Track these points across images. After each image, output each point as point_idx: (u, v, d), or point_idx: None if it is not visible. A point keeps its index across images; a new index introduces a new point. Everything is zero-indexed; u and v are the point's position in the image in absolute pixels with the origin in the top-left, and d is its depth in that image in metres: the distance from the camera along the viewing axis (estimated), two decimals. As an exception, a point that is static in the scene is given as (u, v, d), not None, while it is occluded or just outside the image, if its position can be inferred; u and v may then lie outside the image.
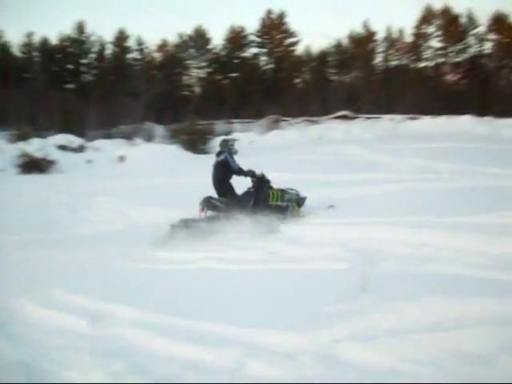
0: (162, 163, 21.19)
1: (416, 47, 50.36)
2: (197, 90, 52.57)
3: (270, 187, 9.05)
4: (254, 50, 51.96)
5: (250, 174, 8.99)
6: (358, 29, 50.79)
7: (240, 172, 8.92)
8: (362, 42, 49.61)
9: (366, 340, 3.76)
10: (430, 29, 50.48)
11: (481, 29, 50.39)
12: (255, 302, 4.73)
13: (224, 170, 8.86)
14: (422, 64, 51.63)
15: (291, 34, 50.91)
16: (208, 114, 38.38)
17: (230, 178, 8.96)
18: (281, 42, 50.88)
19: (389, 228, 7.23)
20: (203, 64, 51.44)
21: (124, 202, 11.79)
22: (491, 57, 48.55)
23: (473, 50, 50.34)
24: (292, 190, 9.27)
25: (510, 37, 47.84)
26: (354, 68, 49.90)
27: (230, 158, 8.89)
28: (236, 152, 9.11)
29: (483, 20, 50.32)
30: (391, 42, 50.79)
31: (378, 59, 51.65)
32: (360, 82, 49.31)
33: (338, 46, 50.43)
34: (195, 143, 26.45)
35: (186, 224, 8.35)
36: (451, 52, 50.52)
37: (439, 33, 50.35)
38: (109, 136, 30.34)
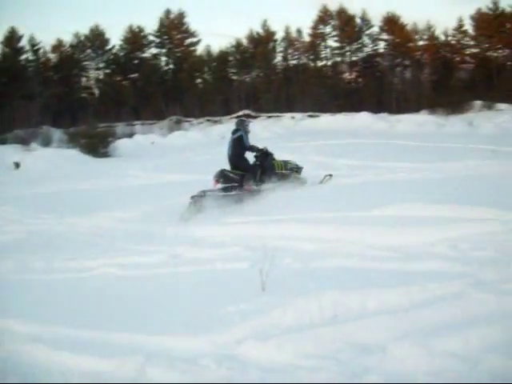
0: (60, 168, 20.44)
1: (314, 47, 51.69)
2: (96, 91, 51.16)
3: (274, 159, 10.43)
4: (154, 51, 51.27)
5: (255, 149, 10.39)
6: (257, 29, 51.47)
7: (251, 148, 10.36)
8: (262, 42, 50.22)
9: (267, 338, 3.76)
10: (327, 29, 52.07)
11: (375, 29, 52.58)
12: (155, 308, 4.63)
13: (240, 146, 10.23)
14: (321, 63, 53.15)
15: (191, 34, 50.69)
16: (108, 117, 37.50)
17: (244, 152, 10.35)
18: (181, 42, 50.49)
19: (290, 225, 7.35)
20: (102, 65, 50.09)
21: (19, 210, 11.25)
22: (384, 56, 50.76)
23: (368, 50, 52.46)
24: (291, 161, 10.72)
25: (401, 37, 50.28)
26: (254, 67, 50.47)
27: (244, 136, 10.30)
28: (249, 131, 10.66)
29: (376, 21, 52.51)
30: (290, 41, 51.79)
31: (278, 59, 52.60)
32: (260, 81, 49.97)
33: (238, 45, 50.74)
34: (95, 146, 25.71)
35: (205, 194, 9.73)
36: (348, 51, 52.34)
37: (336, 33, 52.05)
38: (3, 141, 28.89)
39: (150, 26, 50.48)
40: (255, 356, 3.57)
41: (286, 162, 10.51)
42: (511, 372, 3.06)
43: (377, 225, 6.81)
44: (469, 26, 54.30)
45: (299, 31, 51.88)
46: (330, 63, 53.50)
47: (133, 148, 27.34)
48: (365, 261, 5.56)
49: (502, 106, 36.64)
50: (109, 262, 6.51)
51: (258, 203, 9.24)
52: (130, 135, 33.19)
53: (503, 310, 3.84)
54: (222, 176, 9.98)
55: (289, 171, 10.32)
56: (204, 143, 30.61)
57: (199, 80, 50.43)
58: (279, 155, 20.56)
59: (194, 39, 50.89)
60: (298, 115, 43.85)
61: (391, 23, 51.29)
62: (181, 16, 50.49)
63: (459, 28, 54.02)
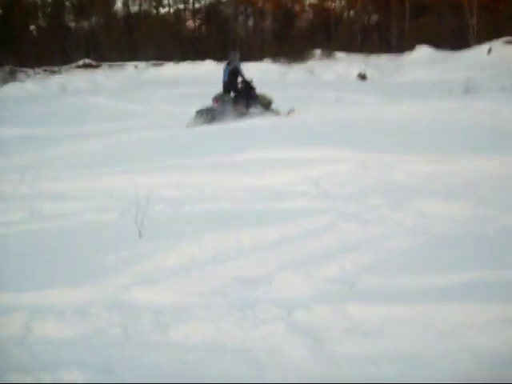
0: None
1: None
2: None
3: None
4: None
5: (245, 79, 12.77)
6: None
7: (242, 76, 12.80)
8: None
9: (154, 281, 3.83)
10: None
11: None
12: (31, 265, 4.42)
13: (234, 75, 12.71)
14: (163, 10, 51.91)
15: (20, -24, 46.62)
16: None
17: (236, 80, 12.76)
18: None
19: (153, 173, 7.33)
20: None
21: None
22: (227, 4, 50.80)
23: (210, -3, 52.19)
24: (266, 95, 13.01)
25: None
26: (93, 14, 47.99)
27: (240, 67, 12.89)
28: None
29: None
30: (130, -13, 49.86)
31: (118, 5, 50.42)
32: (101, 28, 47.72)
33: (75, -11, 47.82)
34: None
35: (207, 109, 12.40)
36: (190, -2, 51.77)
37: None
38: None
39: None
40: (145, 299, 3.63)
41: (262, 94, 12.96)
42: (385, 289, 3.46)
43: (241, 168, 7.05)
44: (307, -24, 56.06)
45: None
46: (172, 10, 52.47)
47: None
48: (234, 203, 5.78)
49: (339, 54, 38.63)
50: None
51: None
52: None
53: (368, 236, 4.27)
54: (220, 98, 12.59)
55: (268, 99, 12.86)
56: (44, 95, 28.85)
57: (33, 26, 46.88)
58: (125, 105, 20.03)
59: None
60: (141, 64, 42.71)
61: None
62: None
63: (298, -23, 55.57)
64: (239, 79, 12.76)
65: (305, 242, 4.27)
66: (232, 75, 12.69)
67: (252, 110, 12.63)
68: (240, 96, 12.70)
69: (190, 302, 3.55)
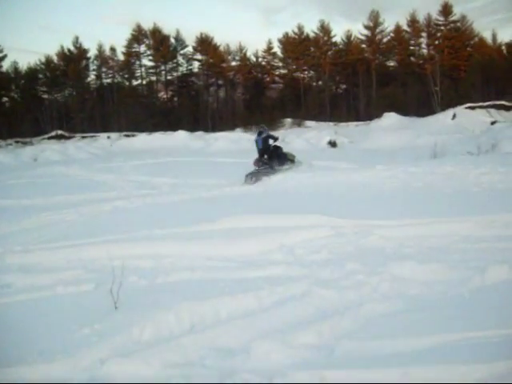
0: None
1: (129, 65, 51.33)
2: None
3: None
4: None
5: (275, 138, 16.16)
6: (69, 45, 49.70)
7: (275, 140, 16.11)
8: (74, 60, 48.61)
9: (130, 354, 3.75)
10: (142, 48, 52.05)
11: (189, 49, 53.72)
12: None
13: (267, 141, 15.85)
14: (136, 82, 52.87)
15: (-5, 50, 47.35)
16: None
17: (268, 145, 15.89)
18: (-18, 57, 46.96)
19: (126, 244, 7.28)
20: None
21: None
22: (199, 75, 52.06)
23: (183, 69, 53.37)
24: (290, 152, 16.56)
25: (215, 57, 52.05)
26: (66, 86, 48.61)
27: (270, 134, 16.28)
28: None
29: (190, 41, 53.70)
30: (103, 59, 50.82)
31: (91, 77, 51.27)
32: (73, 99, 48.25)
33: (48, 62, 48.51)
34: None
35: (253, 172, 15.50)
36: (163, 70, 52.82)
37: (150, 52, 52.20)
38: None
39: None
40: (122, 372, 3.54)
41: (289, 152, 16.35)
42: (367, 354, 3.43)
43: (214, 237, 7.05)
44: (277, 49, 58.12)
45: (113, 49, 51.26)
46: (145, 82, 53.48)
47: None
48: (209, 272, 5.74)
49: (309, 123, 39.61)
50: None
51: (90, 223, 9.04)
52: None
53: (345, 302, 4.27)
54: (259, 162, 15.75)
55: (293, 157, 16.02)
56: (15, 166, 28.80)
57: (5, 98, 47.24)
58: (97, 175, 20.00)
59: (-1, 54, 47.66)
60: (114, 135, 43.15)
61: (205, 44, 52.87)
62: (-19, 30, 47.00)
63: (269, 50, 57.44)
64: (270, 142, 15.82)
65: (282, 309, 4.25)
66: (265, 142, 15.81)
67: (285, 165, 15.58)
68: (273, 156, 15.86)
69: (168, 374, 3.48)
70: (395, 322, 3.94)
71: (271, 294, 4.60)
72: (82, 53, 49.70)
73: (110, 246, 7.30)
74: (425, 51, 62.10)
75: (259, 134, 16.18)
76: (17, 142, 40.38)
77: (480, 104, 37.85)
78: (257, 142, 16.01)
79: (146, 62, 53.01)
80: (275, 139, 16.07)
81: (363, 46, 61.17)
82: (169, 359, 3.66)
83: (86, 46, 49.91)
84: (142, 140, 40.45)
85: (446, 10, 61.68)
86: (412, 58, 62.09)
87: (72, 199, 13.66)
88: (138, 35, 51.47)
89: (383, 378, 3.13)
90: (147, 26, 52.71)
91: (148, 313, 4.42)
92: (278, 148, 16.06)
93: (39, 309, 5.21)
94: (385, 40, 61.66)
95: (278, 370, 3.36)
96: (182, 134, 38.38)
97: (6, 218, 10.63)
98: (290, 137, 31.50)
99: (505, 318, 3.77)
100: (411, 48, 62.49)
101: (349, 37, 60.94)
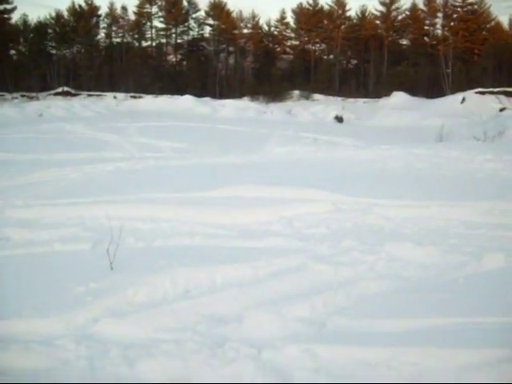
0: None
1: (139, 26, 50.76)
2: None
3: None
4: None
5: None
6: (80, 1, 49.07)
7: None
8: (84, 16, 48.07)
9: (124, 315, 3.79)
10: (154, 9, 51.39)
11: (201, 13, 53.02)
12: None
13: None
14: (145, 43, 52.33)
15: (5, 0, 46.70)
16: None
17: None
18: (-8, 7, 46.39)
19: (127, 205, 7.29)
20: None
21: None
22: (210, 41, 51.48)
23: (194, 33, 52.77)
24: None
25: (227, 23, 51.44)
26: (75, 43, 48.16)
27: None
28: None
29: (203, 5, 53.07)
30: (114, 18, 50.24)
31: (101, 35, 50.77)
32: (82, 57, 47.84)
33: (58, 18, 47.96)
34: None
35: None
36: (173, 33, 52.24)
37: (162, 13, 51.56)
38: None
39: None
40: (114, 333, 3.58)
41: None
42: (358, 331, 3.47)
43: (215, 205, 7.06)
44: (290, 19, 57.37)
45: (124, 8, 50.60)
46: (154, 44, 52.96)
47: None
48: (207, 239, 5.76)
49: (317, 96, 39.33)
50: None
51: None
52: None
53: (340, 278, 4.30)
54: None
55: None
56: (20, 120, 28.70)
57: (13, 51, 46.85)
58: (102, 135, 20.00)
59: (8, 6, 46.98)
60: (120, 95, 42.92)
61: (217, 9, 52.21)
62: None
63: (282, 20, 56.72)
64: None
65: (277, 281, 4.29)
66: None
67: None
68: None
69: (160, 338, 3.51)
70: (388, 301, 3.97)
71: (267, 266, 4.63)
72: (92, 10, 49.10)
73: (110, 206, 7.30)
74: (439, 32, 61.24)
75: None
76: (23, 96, 40.20)
77: (490, 89, 37.55)
78: None
79: (157, 23, 52.42)
80: None
81: (377, 22, 60.40)
82: (161, 323, 3.69)
83: (97, 2, 49.19)
84: (149, 102, 40.26)
85: (464, -9, 60.71)
86: (426, 38, 61.29)
87: (75, 157, 13.65)
88: (150, -5, 50.82)
89: (372, 357, 3.17)
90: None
91: (144, 275, 4.46)
92: None
93: (36, 264, 5.24)
94: (400, 18, 60.86)
95: (269, 341, 3.39)
96: (188, 99, 38.15)
97: (9, 171, 10.64)
98: (296, 109, 31.34)
99: (496, 306, 3.79)
100: (426, 28, 61.62)
101: (363, 12, 60.21)
